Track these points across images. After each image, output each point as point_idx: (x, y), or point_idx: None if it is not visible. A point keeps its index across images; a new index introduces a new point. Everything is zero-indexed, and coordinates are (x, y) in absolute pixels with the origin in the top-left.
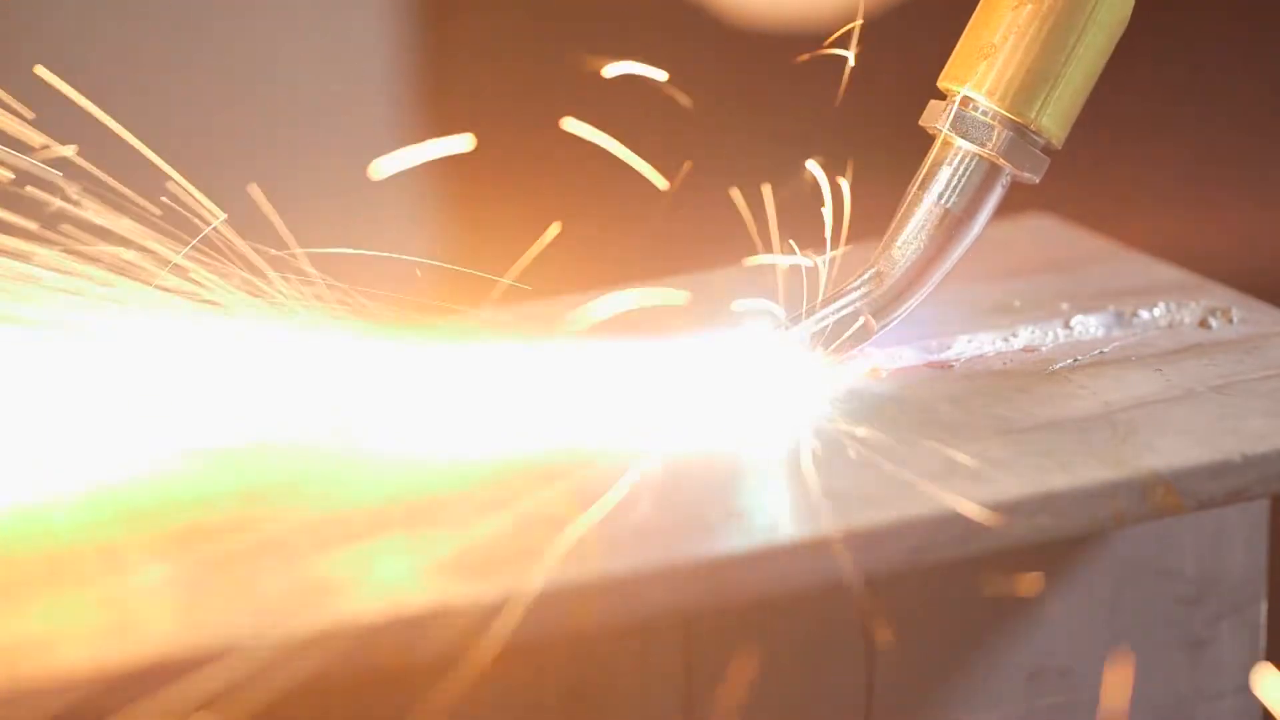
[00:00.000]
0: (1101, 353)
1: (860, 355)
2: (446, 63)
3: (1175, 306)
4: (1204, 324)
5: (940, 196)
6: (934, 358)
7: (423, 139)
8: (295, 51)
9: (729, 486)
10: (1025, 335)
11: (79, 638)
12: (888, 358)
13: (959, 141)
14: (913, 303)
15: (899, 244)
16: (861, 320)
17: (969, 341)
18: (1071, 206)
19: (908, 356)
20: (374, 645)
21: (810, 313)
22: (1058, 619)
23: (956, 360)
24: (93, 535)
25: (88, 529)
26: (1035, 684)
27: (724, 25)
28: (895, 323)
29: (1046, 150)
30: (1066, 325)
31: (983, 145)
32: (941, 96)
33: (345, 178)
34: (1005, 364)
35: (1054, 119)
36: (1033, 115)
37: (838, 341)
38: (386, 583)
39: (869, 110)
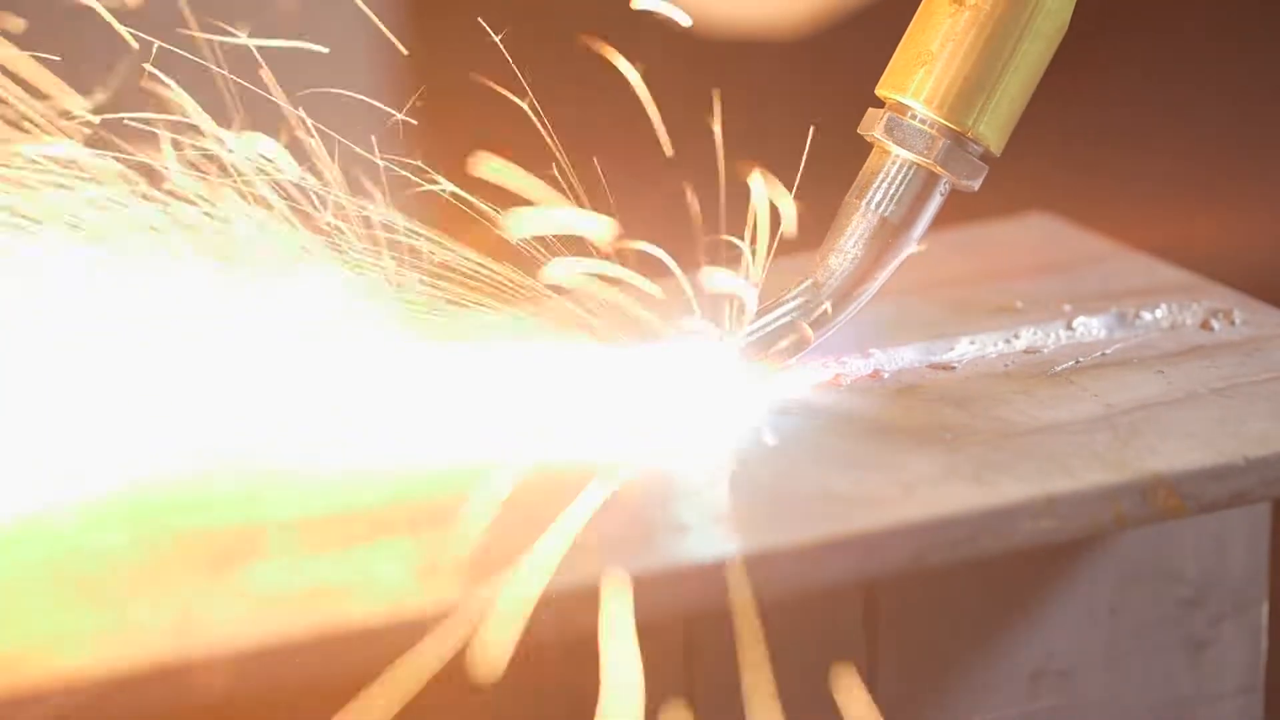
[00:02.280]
0: (1104, 354)
1: (821, 362)
2: (433, 58)
3: (1177, 308)
4: (1206, 325)
5: (878, 205)
6: (936, 359)
7: (410, 136)
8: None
9: (729, 489)
10: (1027, 337)
11: (81, 641)
12: (889, 359)
13: (896, 149)
14: (850, 311)
15: (836, 252)
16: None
17: (971, 343)
18: (1073, 207)
19: (910, 358)
20: (375, 648)
21: (747, 322)
22: (1059, 621)
23: (959, 362)
24: (94, 538)
25: (89, 532)
26: (1037, 685)
27: (708, 25)
28: (832, 332)
29: (985, 158)
30: (1069, 327)
31: (920, 153)
32: (881, 104)
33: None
34: (1007, 366)
35: (992, 127)
36: (970, 123)
37: (774, 350)
38: (388, 585)
39: (805, 116)
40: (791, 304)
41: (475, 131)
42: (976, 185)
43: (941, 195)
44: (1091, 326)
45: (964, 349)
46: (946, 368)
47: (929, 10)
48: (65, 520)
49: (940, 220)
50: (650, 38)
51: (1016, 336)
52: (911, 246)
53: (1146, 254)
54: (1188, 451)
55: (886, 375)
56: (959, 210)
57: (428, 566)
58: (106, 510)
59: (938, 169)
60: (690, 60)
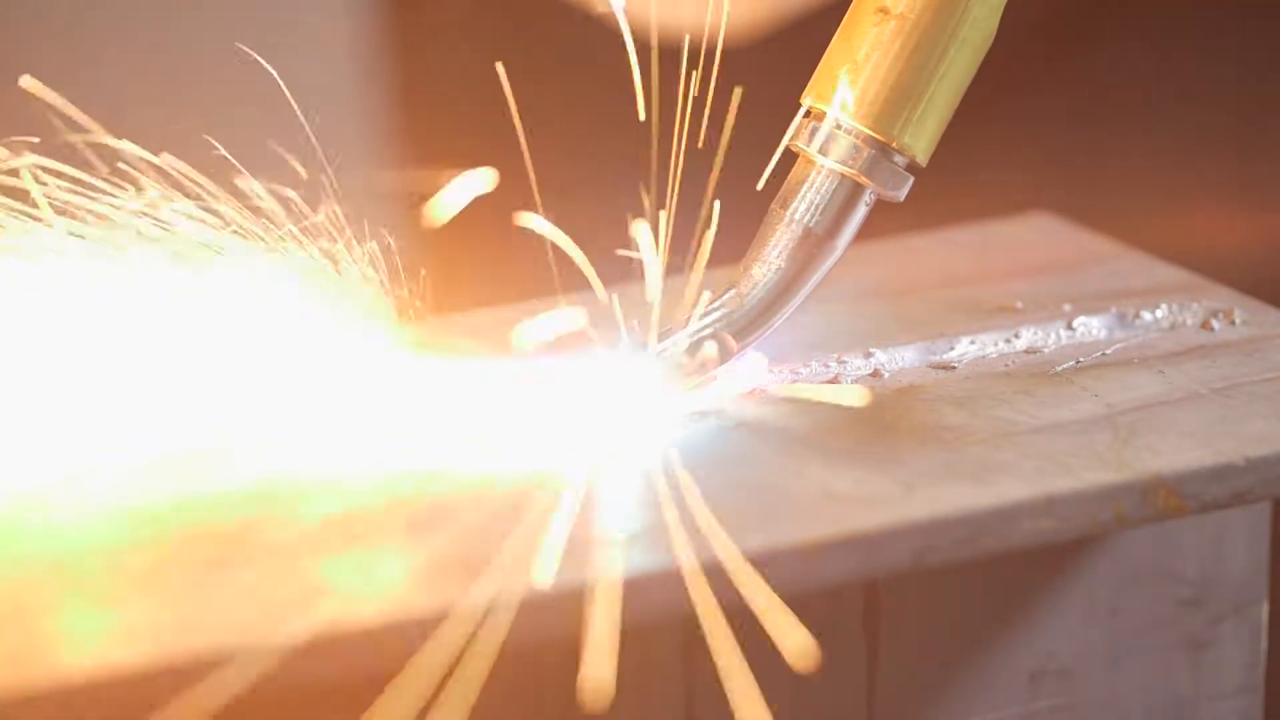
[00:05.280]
0: (1104, 354)
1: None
2: (416, 56)
3: (1178, 308)
4: (1206, 325)
5: (802, 215)
6: (936, 359)
7: (394, 137)
8: (264, 43)
9: (728, 489)
10: (1028, 337)
11: (80, 641)
12: (890, 359)
13: (821, 159)
14: (774, 323)
15: (760, 263)
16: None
17: (971, 343)
18: (1073, 207)
19: (910, 358)
20: (375, 649)
21: (667, 334)
22: (1059, 621)
23: (959, 362)
24: (95, 539)
25: (90, 533)
26: (1036, 685)
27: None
28: (755, 343)
29: (911, 168)
30: (1069, 326)
31: (845, 163)
32: (807, 113)
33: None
34: (1008, 366)
35: (918, 137)
36: (896, 133)
37: (695, 362)
38: (387, 586)
39: (738, 123)
40: (714, 315)
41: (464, 129)
42: (902, 196)
43: (867, 206)
44: (1092, 326)
45: (964, 349)
46: (946, 367)
47: (854, 19)
48: (65, 519)
49: (940, 220)
50: (596, 43)
51: (1017, 336)
52: (836, 257)
53: (1146, 254)
54: (1188, 451)
55: (886, 375)
56: (959, 210)
57: (428, 567)
58: (106, 510)
59: (863, 179)
60: (616, 64)
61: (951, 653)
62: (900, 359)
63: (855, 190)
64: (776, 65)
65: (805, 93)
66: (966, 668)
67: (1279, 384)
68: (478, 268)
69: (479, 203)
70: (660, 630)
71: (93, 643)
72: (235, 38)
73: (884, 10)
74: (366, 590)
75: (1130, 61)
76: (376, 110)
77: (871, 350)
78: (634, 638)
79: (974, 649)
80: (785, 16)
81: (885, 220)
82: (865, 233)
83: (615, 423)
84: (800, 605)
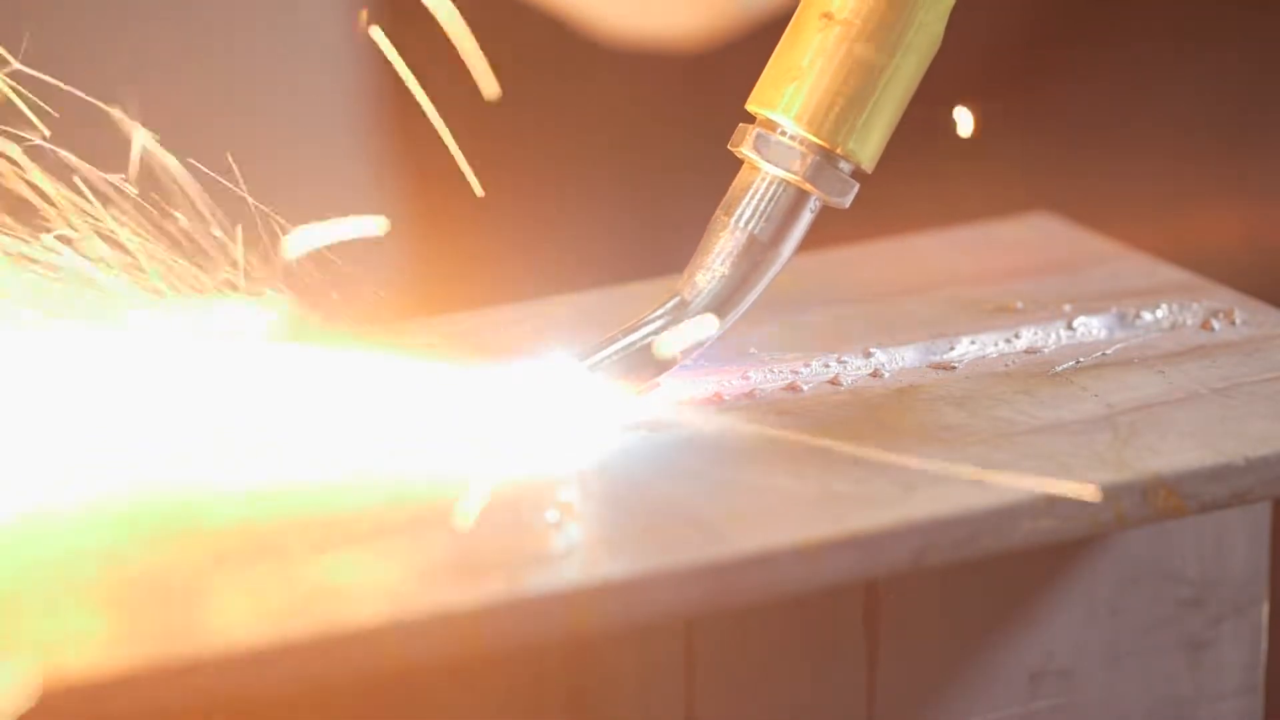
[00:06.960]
0: (1104, 354)
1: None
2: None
3: (1178, 308)
4: (1207, 326)
5: (747, 222)
6: (936, 359)
7: (386, 135)
8: (253, 41)
9: (728, 489)
10: (1028, 336)
11: (81, 641)
12: (890, 359)
13: (765, 166)
14: (718, 330)
15: (704, 270)
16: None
17: (971, 343)
18: (1073, 207)
19: (910, 358)
20: (375, 649)
21: (609, 342)
22: (1059, 621)
23: (959, 362)
24: (94, 539)
25: (89, 532)
26: (1036, 685)
27: (603, 34)
28: (699, 351)
29: (856, 174)
30: (1069, 326)
31: (789, 170)
32: (752, 119)
33: (305, 174)
34: (1008, 366)
35: (863, 144)
36: (840, 140)
37: (636, 371)
38: (387, 586)
39: (698, 130)
40: (656, 323)
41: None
42: (847, 202)
43: (812, 212)
44: (1092, 326)
45: (964, 349)
46: (946, 367)
47: (799, 26)
48: (65, 520)
49: (940, 220)
50: (550, 46)
51: (1017, 336)
52: (781, 264)
53: (1147, 254)
54: (1188, 451)
55: (886, 375)
56: (959, 210)
57: (428, 567)
58: (106, 510)
59: (807, 186)
60: (587, 69)
61: (951, 653)
62: (900, 359)
63: (800, 197)
64: (738, 70)
65: (750, 99)
66: (966, 668)
67: (1279, 384)
68: (474, 267)
69: (471, 204)
70: (660, 630)
71: (93, 643)
72: (223, 40)
73: (828, 16)
74: (366, 590)
75: (1130, 61)
76: (371, 110)
77: (871, 350)
78: (634, 638)
79: (974, 649)
80: (747, 21)
81: (884, 220)
82: (863, 233)
83: (609, 422)
84: (800, 605)
